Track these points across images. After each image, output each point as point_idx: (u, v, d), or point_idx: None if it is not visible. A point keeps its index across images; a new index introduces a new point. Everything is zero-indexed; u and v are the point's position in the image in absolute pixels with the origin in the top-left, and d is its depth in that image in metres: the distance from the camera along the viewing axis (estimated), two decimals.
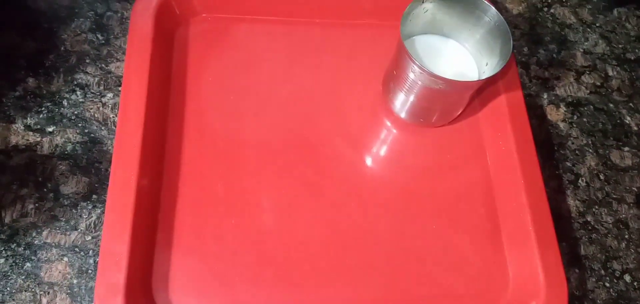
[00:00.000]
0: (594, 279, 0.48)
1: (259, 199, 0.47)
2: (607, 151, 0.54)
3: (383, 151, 0.51)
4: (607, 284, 0.48)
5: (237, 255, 0.45)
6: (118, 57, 0.53)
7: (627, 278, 0.48)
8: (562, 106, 0.56)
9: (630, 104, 0.57)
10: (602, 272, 0.48)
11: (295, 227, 0.46)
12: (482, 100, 0.53)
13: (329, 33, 0.56)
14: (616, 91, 0.58)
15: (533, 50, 0.59)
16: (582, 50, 0.60)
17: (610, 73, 0.59)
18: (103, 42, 0.54)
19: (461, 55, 0.49)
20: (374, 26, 0.56)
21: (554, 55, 0.59)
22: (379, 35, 0.55)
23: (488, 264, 0.46)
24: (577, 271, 0.48)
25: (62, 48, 0.53)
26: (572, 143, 0.54)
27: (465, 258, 0.47)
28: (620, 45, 0.61)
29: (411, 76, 0.44)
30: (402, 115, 0.50)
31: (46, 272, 0.44)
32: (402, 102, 0.49)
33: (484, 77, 0.44)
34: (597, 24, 0.62)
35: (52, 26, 0.54)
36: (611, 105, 0.57)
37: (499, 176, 0.49)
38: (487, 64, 0.47)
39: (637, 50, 0.61)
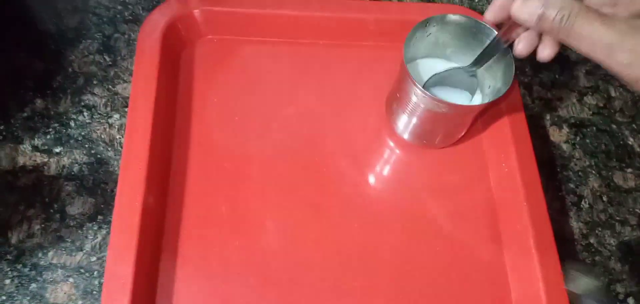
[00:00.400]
0: (598, 303, 0.48)
1: (263, 220, 0.47)
2: (610, 173, 0.54)
3: (386, 171, 0.52)
4: None
5: (241, 276, 0.45)
6: (125, 78, 0.53)
7: (631, 301, 0.48)
8: (564, 126, 0.56)
9: (633, 125, 0.57)
10: (606, 294, 0.48)
11: (299, 248, 0.47)
12: (485, 121, 0.53)
13: (333, 54, 0.56)
14: (619, 111, 0.58)
15: (535, 71, 0.60)
16: (584, 71, 0.60)
17: (613, 94, 0.59)
18: (110, 63, 0.54)
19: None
20: (378, 48, 0.57)
21: (557, 75, 0.60)
22: (383, 56, 0.56)
23: (491, 286, 0.47)
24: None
25: (70, 69, 0.53)
26: (575, 164, 0.54)
27: (468, 279, 0.47)
28: None
29: (414, 98, 0.45)
30: (406, 136, 0.51)
31: (51, 293, 0.44)
32: (405, 124, 0.49)
33: (486, 101, 0.44)
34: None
35: (60, 47, 0.54)
36: (614, 126, 0.57)
37: (502, 197, 0.50)
38: (489, 87, 0.47)
39: None
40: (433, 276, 0.47)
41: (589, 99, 0.58)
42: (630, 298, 0.48)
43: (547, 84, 0.59)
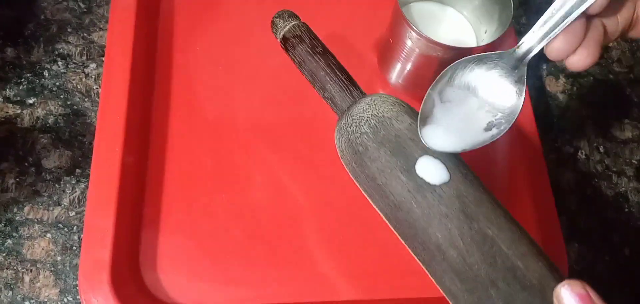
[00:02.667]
0: (593, 253, 0.47)
1: (250, 174, 0.45)
2: (607, 123, 0.53)
3: None
4: (607, 258, 0.47)
5: (227, 231, 0.43)
6: (101, 26, 0.50)
7: (627, 251, 0.47)
8: (561, 77, 0.55)
9: (631, 75, 0.55)
10: (602, 245, 0.47)
11: (287, 202, 0.45)
12: None
13: (323, 4, 0.54)
14: (616, 61, 0.56)
15: (532, 19, 0.57)
16: None
17: (611, 44, 0.57)
18: (85, 10, 0.51)
19: (459, 22, 0.47)
20: None
21: None
22: (374, 4, 0.53)
23: None
24: (576, 245, 0.47)
25: (42, 16, 0.50)
26: (572, 115, 0.53)
27: None
28: None
29: (408, 43, 0.43)
30: (399, 84, 0.49)
31: (28, 249, 0.42)
32: (398, 72, 0.47)
33: (482, 44, 0.42)
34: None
35: None
36: (611, 76, 0.55)
37: (498, 148, 0.48)
38: (485, 32, 0.45)
39: None
40: None
41: None
42: (627, 248, 0.47)
43: None
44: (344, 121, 0.33)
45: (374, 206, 0.32)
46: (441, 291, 0.30)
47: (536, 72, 0.55)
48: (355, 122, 0.32)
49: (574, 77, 0.55)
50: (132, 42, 0.45)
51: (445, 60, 0.43)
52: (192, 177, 0.45)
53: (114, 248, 0.39)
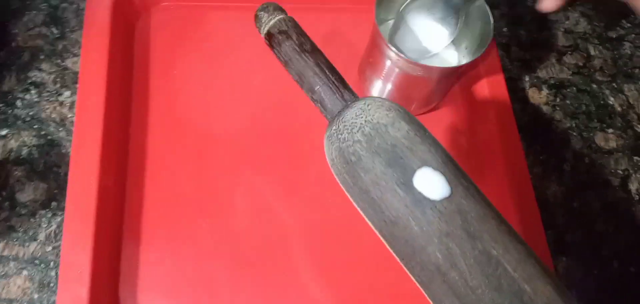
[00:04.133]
0: (582, 267, 0.46)
1: (233, 198, 0.44)
2: (591, 134, 0.52)
3: None
4: (596, 271, 0.46)
5: (211, 258, 0.42)
6: (75, 52, 0.49)
7: (616, 263, 0.47)
8: (544, 88, 0.54)
9: (614, 84, 0.55)
10: (591, 259, 0.47)
11: (273, 226, 0.44)
12: (463, 86, 0.51)
13: (302, 18, 0.52)
14: (599, 70, 0.56)
15: (513, 32, 0.57)
16: (563, 29, 0.58)
17: (593, 52, 0.57)
18: (58, 36, 0.50)
19: None
20: (350, 11, 0.54)
21: (535, 35, 0.57)
22: (355, 20, 0.53)
23: None
24: (564, 259, 0.46)
25: (13, 43, 0.49)
26: (556, 126, 0.53)
27: None
28: (602, 24, 0.59)
29: (388, 62, 0.42)
30: None
31: (4, 288, 0.41)
32: (379, 90, 0.47)
33: (463, 62, 0.42)
34: (578, 2, 0.60)
35: (1, 20, 0.50)
36: (594, 85, 0.55)
37: (482, 163, 0.48)
38: (466, 48, 0.45)
39: (618, 29, 0.59)
40: None
41: (569, 59, 0.57)
42: (616, 260, 0.47)
43: (526, 44, 0.57)
44: (335, 127, 0.30)
45: (368, 221, 0.29)
46: None
47: (519, 84, 0.54)
48: (348, 129, 0.29)
49: (557, 87, 0.55)
50: (106, 67, 0.44)
51: (426, 79, 0.42)
52: (173, 204, 0.44)
53: (92, 284, 0.38)
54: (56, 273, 0.41)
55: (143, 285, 0.41)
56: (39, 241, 0.42)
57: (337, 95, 0.31)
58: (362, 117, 0.29)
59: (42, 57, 0.49)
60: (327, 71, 0.32)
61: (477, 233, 0.26)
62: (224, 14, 0.52)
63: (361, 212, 0.30)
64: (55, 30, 0.50)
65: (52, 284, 0.41)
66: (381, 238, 0.29)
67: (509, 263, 0.26)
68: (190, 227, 0.43)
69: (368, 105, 0.29)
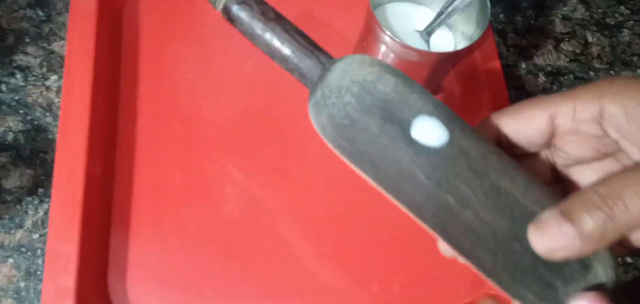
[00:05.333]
0: None
1: (222, 186, 0.44)
2: None
3: None
4: None
5: (200, 248, 0.42)
6: (62, 35, 0.48)
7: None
8: (541, 75, 0.54)
9: (611, 72, 0.55)
10: None
11: (262, 215, 0.43)
12: (458, 72, 0.50)
13: (295, 2, 0.52)
14: (596, 58, 0.55)
15: (510, 17, 0.56)
16: (560, 16, 0.57)
17: (590, 39, 0.56)
18: (44, 18, 0.48)
19: None
20: None
21: (532, 22, 0.56)
22: (348, 5, 0.51)
23: None
24: None
25: None
26: None
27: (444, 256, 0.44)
28: (600, 10, 0.58)
29: (382, 47, 0.41)
30: None
31: None
32: None
33: (459, 47, 0.41)
34: None
35: None
36: (592, 73, 0.55)
37: None
38: (462, 33, 0.44)
39: (617, 15, 0.58)
40: (406, 237, 0.44)
41: (566, 46, 0.56)
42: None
43: (522, 30, 0.56)
44: (319, 93, 0.28)
45: (371, 182, 0.28)
46: (463, 258, 0.28)
47: (515, 71, 0.53)
48: (334, 93, 0.28)
49: (554, 75, 0.54)
50: (93, 51, 0.43)
51: (421, 64, 0.41)
52: (161, 192, 0.43)
53: (79, 273, 0.37)
54: (43, 261, 0.41)
55: (132, 274, 0.40)
56: (25, 228, 0.42)
57: (313, 59, 0.30)
58: (347, 78, 0.28)
59: (27, 40, 0.47)
60: (297, 36, 0.30)
61: (483, 170, 0.27)
62: None
63: (363, 174, 0.29)
64: (41, 13, 0.49)
65: (39, 273, 0.40)
66: (387, 195, 0.28)
67: (517, 192, 0.26)
68: (179, 215, 0.42)
69: (349, 64, 0.28)
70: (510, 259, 0.26)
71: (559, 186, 0.28)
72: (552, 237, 0.24)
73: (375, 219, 0.44)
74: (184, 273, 0.41)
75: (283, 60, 0.31)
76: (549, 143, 0.30)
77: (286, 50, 0.30)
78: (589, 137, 0.28)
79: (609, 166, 0.27)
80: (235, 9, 0.31)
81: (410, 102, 0.27)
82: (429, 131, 0.27)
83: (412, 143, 0.27)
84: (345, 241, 0.43)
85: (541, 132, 0.29)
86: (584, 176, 0.27)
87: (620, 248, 0.29)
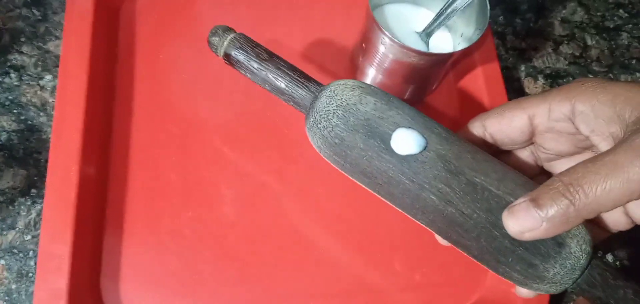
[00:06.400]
0: None
1: (219, 188, 0.43)
2: None
3: None
4: None
5: (195, 250, 0.41)
6: (57, 34, 0.47)
7: (610, 257, 0.46)
8: (540, 78, 0.53)
9: (610, 75, 0.54)
10: None
11: (259, 218, 0.43)
12: (457, 74, 0.49)
13: (293, 4, 0.51)
14: (595, 61, 0.55)
15: (509, 20, 0.56)
16: (559, 18, 0.57)
17: (589, 42, 0.56)
18: (40, 18, 0.48)
19: None
20: None
21: (531, 24, 0.56)
22: (347, 6, 0.51)
23: (467, 267, 0.43)
24: None
25: None
26: None
27: (441, 245, 0.44)
28: (598, 13, 0.58)
29: (381, 48, 0.41)
30: None
31: None
32: (372, 78, 0.45)
33: (458, 48, 0.40)
34: None
35: None
36: (591, 76, 0.54)
37: None
38: (462, 35, 0.43)
39: (616, 18, 0.58)
40: (404, 242, 0.43)
41: (565, 48, 0.55)
42: (609, 254, 0.46)
43: (521, 33, 0.55)
44: (312, 119, 0.33)
45: (367, 189, 0.33)
46: (455, 246, 0.32)
47: (514, 73, 0.53)
48: (324, 118, 0.32)
49: (553, 77, 0.53)
50: (88, 51, 0.42)
51: (420, 65, 0.41)
52: (157, 194, 0.42)
53: (72, 275, 0.37)
54: (35, 263, 0.40)
55: (125, 276, 0.40)
56: (17, 229, 0.41)
57: (304, 89, 0.34)
58: (333, 104, 0.32)
59: (22, 39, 0.47)
60: (288, 71, 0.35)
61: (459, 169, 0.30)
62: None
63: (359, 183, 0.33)
64: (36, 12, 0.48)
65: (31, 274, 0.40)
66: (382, 198, 0.33)
67: (491, 185, 0.30)
68: (174, 217, 0.42)
69: (334, 91, 0.32)
70: (492, 245, 0.30)
71: (544, 178, 0.30)
72: (522, 221, 0.27)
73: (373, 224, 0.44)
74: (179, 276, 0.40)
75: (279, 92, 0.35)
76: (531, 140, 0.34)
77: (281, 84, 0.35)
78: (565, 135, 0.32)
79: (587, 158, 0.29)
80: (234, 54, 0.36)
81: (389, 118, 0.31)
82: (407, 141, 0.30)
83: (394, 153, 0.31)
84: (342, 245, 0.43)
85: (522, 132, 0.33)
86: (565, 168, 0.29)
87: (601, 231, 0.33)
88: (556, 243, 0.29)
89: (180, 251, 0.41)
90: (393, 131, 0.31)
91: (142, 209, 0.42)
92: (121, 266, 0.40)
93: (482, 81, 0.47)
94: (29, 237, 0.41)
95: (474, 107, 0.47)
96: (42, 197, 0.42)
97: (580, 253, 0.29)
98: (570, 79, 0.54)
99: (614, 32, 0.57)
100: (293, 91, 0.35)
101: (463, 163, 0.30)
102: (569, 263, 0.29)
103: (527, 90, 0.52)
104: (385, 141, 0.31)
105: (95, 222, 0.40)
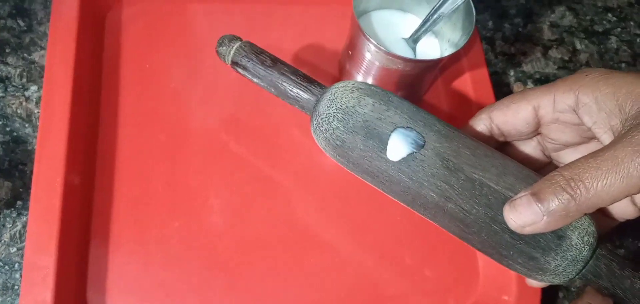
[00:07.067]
0: None
1: (206, 197, 0.43)
2: None
3: None
4: None
5: (183, 261, 0.41)
6: (42, 45, 0.47)
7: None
8: (529, 83, 0.53)
9: None
10: None
11: (248, 227, 0.42)
12: (446, 80, 0.49)
13: (279, 12, 0.51)
14: (585, 65, 0.55)
15: (498, 25, 0.56)
16: (548, 23, 0.57)
17: (578, 46, 0.56)
18: (25, 28, 0.48)
19: None
20: (328, 4, 0.52)
21: (520, 29, 0.56)
22: (333, 14, 0.51)
23: (458, 257, 0.43)
24: None
25: None
26: None
27: (434, 251, 0.43)
28: (587, 17, 0.58)
29: (367, 56, 0.40)
30: None
31: None
32: None
33: (445, 54, 0.40)
34: None
35: None
36: None
37: None
38: (448, 41, 0.43)
39: (604, 22, 0.58)
40: (395, 249, 0.43)
41: (554, 53, 0.55)
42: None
43: (510, 38, 0.55)
44: (315, 122, 0.34)
45: (371, 185, 0.34)
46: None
47: (503, 79, 0.53)
48: (325, 121, 0.33)
49: (542, 82, 0.53)
50: (73, 61, 0.42)
51: (407, 72, 0.41)
52: (144, 204, 0.42)
53: (57, 287, 0.36)
54: (21, 275, 0.39)
55: (112, 288, 0.39)
56: (3, 241, 0.41)
57: (308, 93, 0.35)
58: (333, 107, 0.33)
59: (7, 50, 0.47)
60: (292, 76, 0.36)
61: (457, 166, 0.31)
62: (198, 7, 0.50)
63: (364, 180, 0.34)
64: (21, 23, 0.48)
65: (16, 287, 0.39)
66: (387, 195, 0.34)
67: (490, 180, 0.30)
68: (161, 228, 0.41)
69: (334, 94, 0.33)
70: (493, 239, 0.31)
71: (552, 168, 0.31)
72: (523, 215, 0.28)
73: (363, 232, 0.43)
74: (167, 287, 0.40)
75: (285, 96, 0.37)
76: (537, 131, 0.34)
77: (286, 88, 0.36)
78: (570, 125, 0.32)
79: (594, 148, 0.29)
80: (242, 61, 0.37)
81: (387, 119, 0.32)
82: (405, 141, 0.31)
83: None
84: (332, 254, 0.42)
85: (527, 123, 0.33)
86: (572, 158, 0.30)
87: (608, 220, 0.33)
88: (556, 236, 0.29)
89: (167, 261, 0.40)
90: (391, 131, 0.31)
91: (128, 219, 0.41)
92: (107, 277, 0.39)
93: (470, 86, 0.47)
94: (14, 249, 0.40)
95: (463, 113, 0.47)
96: (27, 209, 0.41)
97: (583, 245, 0.30)
98: None
99: (602, 36, 0.57)
100: (298, 94, 0.36)
101: (462, 160, 0.31)
102: (570, 255, 0.29)
103: None
104: (384, 141, 0.31)
105: (81, 233, 0.40)
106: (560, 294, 0.44)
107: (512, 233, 0.29)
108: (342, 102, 0.32)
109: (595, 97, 0.30)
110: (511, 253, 0.30)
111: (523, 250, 0.30)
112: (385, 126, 0.31)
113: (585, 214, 0.28)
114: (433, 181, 0.31)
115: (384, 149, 0.31)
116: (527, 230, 0.28)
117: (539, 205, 0.27)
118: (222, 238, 0.42)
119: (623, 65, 0.56)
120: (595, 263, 0.30)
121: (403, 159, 0.31)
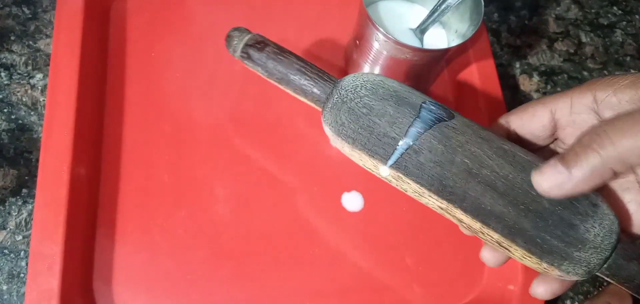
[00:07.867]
0: None
1: (212, 187, 0.43)
2: None
3: None
4: None
5: (188, 250, 0.41)
6: (48, 33, 0.47)
7: None
8: (535, 75, 0.53)
9: (605, 72, 0.54)
10: None
11: (252, 217, 0.42)
12: (452, 71, 0.49)
13: (284, 3, 0.51)
14: (590, 58, 0.55)
15: (503, 17, 0.56)
16: (554, 15, 0.57)
17: (584, 39, 0.56)
18: (30, 16, 0.47)
19: None
20: None
21: (526, 21, 0.56)
22: (340, 4, 0.51)
23: (462, 248, 0.43)
24: None
25: None
26: None
27: (438, 243, 0.43)
28: (593, 10, 0.58)
29: (375, 45, 0.40)
30: None
31: None
32: None
33: (452, 45, 0.40)
34: None
35: None
36: (585, 73, 0.54)
37: None
38: (456, 31, 0.43)
39: (610, 15, 0.58)
40: (400, 240, 0.43)
41: (560, 46, 0.55)
42: None
43: (516, 30, 0.55)
44: (336, 97, 0.32)
45: (388, 166, 0.31)
46: (485, 227, 0.30)
47: (509, 71, 0.53)
48: (351, 92, 0.32)
49: (548, 74, 0.53)
50: (79, 49, 0.42)
51: (415, 62, 0.41)
52: (149, 193, 0.42)
53: (63, 276, 0.36)
54: (27, 263, 0.40)
55: (118, 277, 0.39)
56: (8, 229, 0.40)
57: (323, 81, 0.35)
58: (359, 80, 0.32)
59: (12, 38, 0.46)
60: (306, 65, 0.35)
61: (488, 137, 0.30)
62: None
63: (379, 161, 0.31)
64: (26, 10, 0.48)
65: (22, 275, 0.39)
66: (405, 176, 0.31)
67: (520, 151, 0.30)
68: (167, 217, 0.41)
69: (356, 76, 0.33)
70: (531, 206, 0.29)
71: None
72: (549, 176, 0.28)
73: (369, 222, 0.43)
74: (172, 276, 0.40)
75: (298, 88, 0.35)
76: (553, 136, 0.34)
77: (300, 80, 0.35)
78: (586, 128, 0.31)
79: None
80: (255, 47, 0.36)
81: (415, 94, 0.32)
82: (439, 110, 0.31)
83: (426, 120, 0.31)
84: (337, 244, 0.42)
85: (544, 126, 0.33)
86: None
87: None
88: (591, 202, 0.29)
89: (173, 251, 0.40)
90: (422, 101, 0.31)
91: (134, 209, 0.41)
92: (113, 267, 0.39)
93: (476, 77, 0.47)
94: (20, 237, 0.40)
95: (469, 105, 0.47)
96: (33, 197, 0.41)
97: (613, 217, 0.29)
98: (565, 76, 0.54)
99: (608, 29, 0.57)
100: (314, 84, 0.35)
101: (491, 133, 0.31)
102: (606, 224, 0.29)
103: (522, 87, 0.52)
104: (416, 109, 0.31)
105: (87, 222, 0.40)
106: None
107: (550, 199, 0.29)
108: (369, 78, 0.32)
109: (614, 90, 0.30)
110: (549, 222, 0.29)
111: (562, 217, 0.29)
112: (416, 97, 0.31)
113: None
114: (467, 147, 0.30)
115: (417, 115, 0.31)
116: (555, 192, 0.28)
117: (564, 166, 0.27)
118: (227, 228, 0.42)
119: (628, 58, 0.55)
120: (622, 245, 0.29)
121: (436, 125, 0.30)
